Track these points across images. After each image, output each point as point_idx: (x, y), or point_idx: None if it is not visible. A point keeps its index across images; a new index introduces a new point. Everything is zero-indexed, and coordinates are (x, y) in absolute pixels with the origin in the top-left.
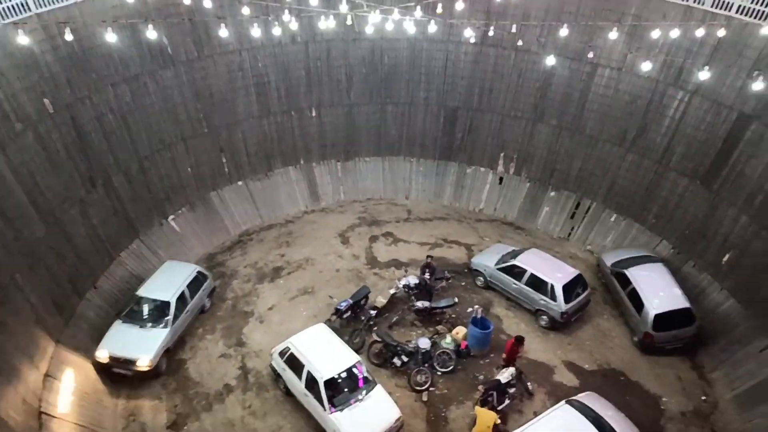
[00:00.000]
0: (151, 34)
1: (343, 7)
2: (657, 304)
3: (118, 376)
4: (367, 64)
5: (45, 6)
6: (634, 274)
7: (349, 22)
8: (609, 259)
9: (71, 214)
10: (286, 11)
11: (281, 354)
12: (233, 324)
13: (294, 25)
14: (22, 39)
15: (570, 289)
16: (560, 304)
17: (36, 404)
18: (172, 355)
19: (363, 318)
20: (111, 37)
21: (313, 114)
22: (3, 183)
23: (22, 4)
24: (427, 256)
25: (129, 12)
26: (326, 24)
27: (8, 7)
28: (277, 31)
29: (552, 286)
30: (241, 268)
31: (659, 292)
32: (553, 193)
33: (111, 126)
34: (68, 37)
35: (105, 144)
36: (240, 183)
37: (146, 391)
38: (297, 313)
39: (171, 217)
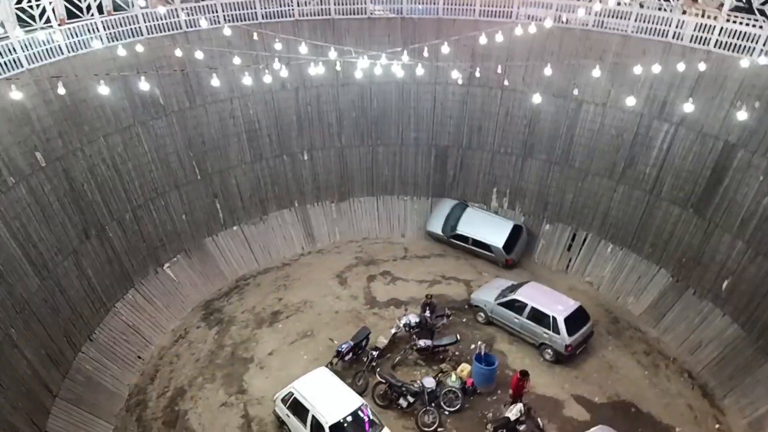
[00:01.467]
0: (144, 85)
1: (332, 54)
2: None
3: None
4: (357, 108)
5: (37, 62)
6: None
7: (338, 68)
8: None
9: (65, 266)
10: (276, 60)
11: (284, 400)
12: (233, 371)
13: (284, 73)
14: (15, 94)
15: (572, 321)
16: (563, 337)
17: None
18: (171, 405)
19: (365, 359)
20: (103, 89)
21: (306, 157)
22: None
23: (14, 61)
24: (427, 295)
25: (121, 65)
26: (316, 70)
27: (0, 64)
28: (267, 78)
29: (554, 318)
30: (239, 313)
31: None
32: (548, 226)
33: (103, 176)
34: (60, 91)
35: (98, 194)
36: (235, 228)
37: None
38: (297, 357)
39: (166, 264)
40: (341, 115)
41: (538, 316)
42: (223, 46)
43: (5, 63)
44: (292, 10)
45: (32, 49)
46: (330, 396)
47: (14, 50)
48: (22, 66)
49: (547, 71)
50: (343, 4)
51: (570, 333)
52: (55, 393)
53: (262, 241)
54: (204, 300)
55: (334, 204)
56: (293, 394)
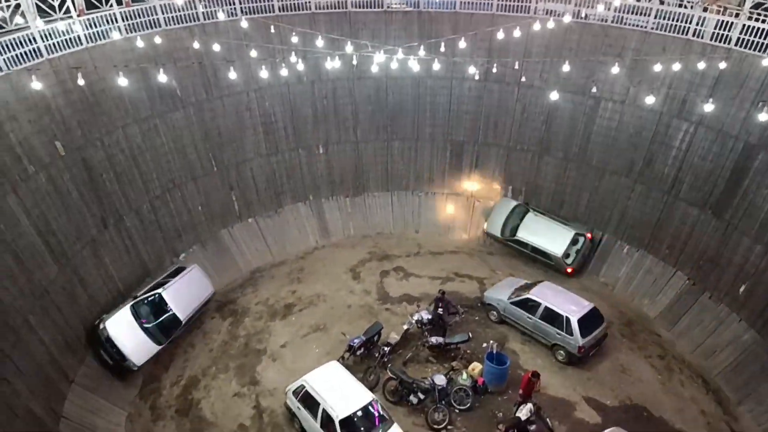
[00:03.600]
0: (162, 77)
1: (349, 48)
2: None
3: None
4: (373, 102)
5: (57, 51)
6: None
7: (354, 62)
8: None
9: (83, 255)
10: (293, 53)
11: (295, 393)
12: (246, 362)
13: (300, 66)
14: (35, 84)
15: (586, 322)
16: (577, 338)
17: None
18: (185, 394)
19: (377, 355)
20: (122, 80)
21: (321, 151)
22: (15, 225)
23: (34, 51)
24: (440, 291)
25: (139, 56)
26: (332, 64)
27: (21, 54)
28: (284, 71)
29: (567, 319)
30: (253, 305)
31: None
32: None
33: (122, 167)
34: (80, 81)
35: (116, 184)
36: (250, 220)
37: None
38: (309, 350)
39: (182, 255)
40: (357, 109)
41: (551, 316)
42: (240, 39)
43: (26, 53)
44: (309, 2)
45: (52, 39)
46: (341, 390)
47: (34, 40)
48: (42, 56)
49: (565, 68)
50: None
51: (583, 334)
52: (71, 379)
53: (276, 234)
54: (218, 291)
55: (348, 198)
56: (305, 387)
